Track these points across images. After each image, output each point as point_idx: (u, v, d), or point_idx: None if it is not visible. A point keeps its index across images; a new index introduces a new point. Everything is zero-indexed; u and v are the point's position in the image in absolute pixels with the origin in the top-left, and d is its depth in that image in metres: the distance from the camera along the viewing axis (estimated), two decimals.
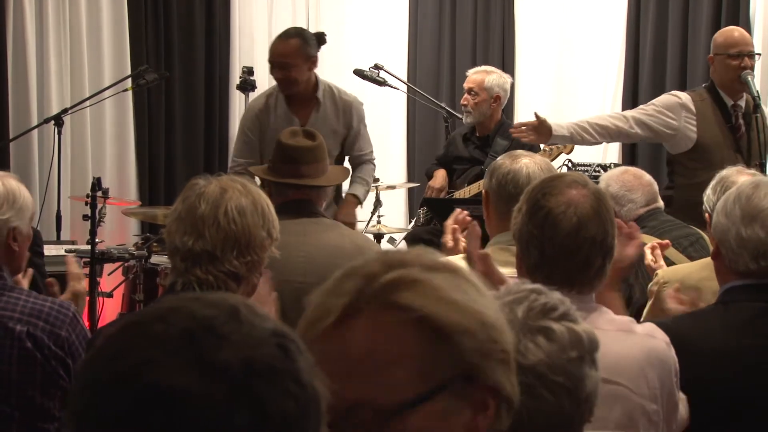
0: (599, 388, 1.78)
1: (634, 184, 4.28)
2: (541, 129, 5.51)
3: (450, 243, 3.52)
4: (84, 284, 3.30)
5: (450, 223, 3.56)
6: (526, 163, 3.24)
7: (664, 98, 5.59)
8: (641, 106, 5.71)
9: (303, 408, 1.08)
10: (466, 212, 3.59)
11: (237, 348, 1.05)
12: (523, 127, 5.62)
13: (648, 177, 4.36)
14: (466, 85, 6.57)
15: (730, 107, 5.45)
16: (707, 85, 5.53)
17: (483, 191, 3.34)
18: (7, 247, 2.97)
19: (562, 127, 5.55)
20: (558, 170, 5.98)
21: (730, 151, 5.40)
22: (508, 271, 3.03)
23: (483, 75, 6.56)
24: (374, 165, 5.89)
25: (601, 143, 6.24)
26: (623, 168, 4.53)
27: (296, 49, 5.53)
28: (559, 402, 1.73)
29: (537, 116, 5.54)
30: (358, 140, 5.74)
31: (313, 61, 5.62)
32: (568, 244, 2.42)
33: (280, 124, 5.49)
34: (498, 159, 3.38)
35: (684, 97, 5.51)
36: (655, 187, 4.33)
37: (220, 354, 1.04)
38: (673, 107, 5.46)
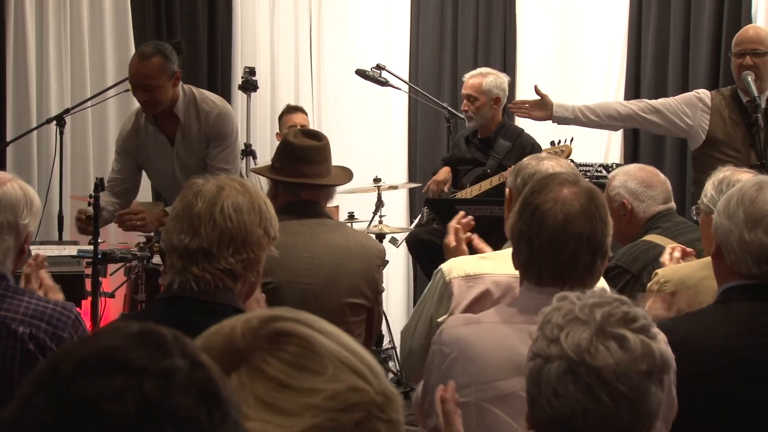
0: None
1: (653, 181, 4.28)
2: (542, 105, 5.68)
3: (453, 243, 3.52)
4: (59, 294, 3.28)
5: (453, 224, 3.57)
6: (551, 164, 3.28)
7: (686, 94, 5.79)
8: (665, 98, 5.87)
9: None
10: (470, 217, 3.60)
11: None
12: (526, 105, 5.70)
13: (663, 175, 4.38)
14: (464, 92, 6.58)
15: (746, 103, 5.50)
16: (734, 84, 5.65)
17: (507, 190, 3.36)
18: (21, 250, 2.98)
19: (566, 107, 5.67)
20: None
21: (746, 147, 5.46)
22: None
23: (480, 79, 6.57)
24: None
25: (609, 127, 6.24)
26: (638, 165, 4.53)
27: (158, 69, 5.25)
28: (618, 409, 1.75)
29: (538, 91, 5.72)
30: (217, 154, 5.42)
31: (177, 77, 5.34)
32: (555, 240, 2.45)
33: (151, 143, 5.49)
34: (524, 159, 3.41)
35: (703, 92, 5.67)
36: (669, 185, 4.34)
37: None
38: (691, 102, 5.58)
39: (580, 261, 2.46)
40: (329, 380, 1.17)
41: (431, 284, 3.26)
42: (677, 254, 3.61)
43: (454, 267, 3.21)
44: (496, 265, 3.13)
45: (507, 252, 3.06)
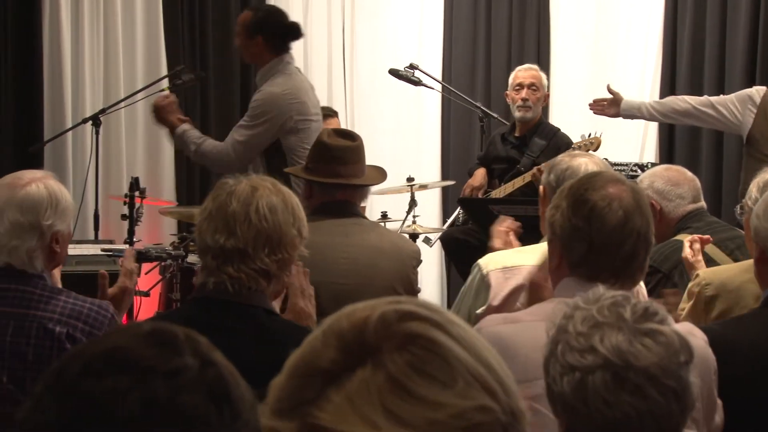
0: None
1: (680, 180, 4.23)
2: (614, 102, 6.05)
3: (500, 247, 3.51)
4: (134, 281, 3.30)
5: (499, 228, 3.55)
6: (585, 161, 3.29)
7: (744, 90, 5.86)
8: (725, 95, 5.97)
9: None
10: (518, 224, 3.58)
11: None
12: (604, 102, 6.08)
13: (691, 173, 4.32)
14: (524, 80, 6.52)
15: None
16: None
17: (541, 187, 3.35)
18: (50, 250, 2.98)
19: (633, 104, 6.08)
20: None
21: None
22: None
23: (537, 71, 6.59)
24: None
25: (672, 121, 6.45)
26: (665, 165, 4.50)
27: (241, 23, 5.48)
28: (668, 405, 1.74)
29: (610, 89, 6.06)
30: (238, 122, 5.46)
31: (257, 42, 5.35)
32: (616, 236, 2.45)
33: None
34: (557, 156, 3.43)
35: (757, 89, 5.67)
36: (698, 184, 4.29)
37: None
38: (742, 98, 5.62)
39: (637, 257, 2.47)
40: (458, 396, 1.07)
41: (469, 280, 3.27)
42: (697, 246, 3.58)
43: (491, 260, 3.23)
44: (533, 257, 3.14)
45: (541, 246, 3.07)
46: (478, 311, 3.14)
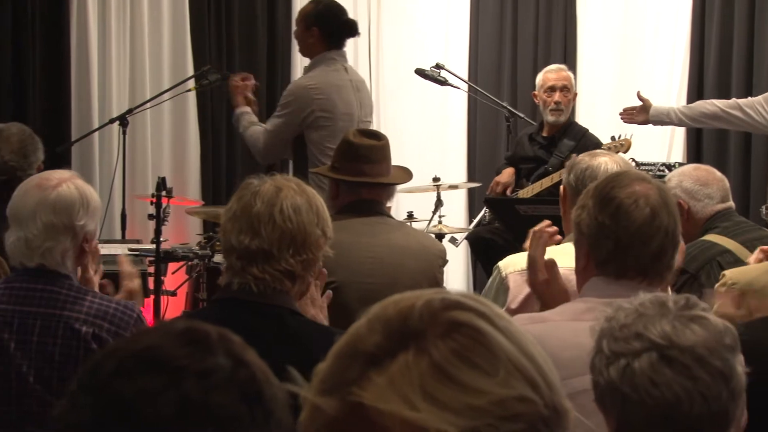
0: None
1: (708, 179, 4.19)
2: (643, 109, 5.98)
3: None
4: (137, 282, 3.31)
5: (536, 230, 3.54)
6: (605, 160, 3.28)
7: None
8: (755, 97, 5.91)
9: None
10: (548, 223, 3.56)
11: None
12: (634, 110, 6.01)
13: (719, 173, 4.29)
14: (557, 83, 6.46)
15: None
16: None
17: (561, 187, 3.35)
18: (81, 249, 2.99)
19: (662, 110, 5.99)
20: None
21: None
22: None
23: (567, 72, 6.54)
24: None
25: (701, 125, 6.36)
26: (693, 165, 4.47)
27: (300, 14, 5.60)
28: (717, 387, 1.74)
29: (640, 96, 5.98)
30: None
31: (312, 33, 5.40)
32: (643, 234, 2.44)
33: None
34: (578, 156, 3.41)
35: None
36: (727, 183, 4.25)
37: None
38: None
39: (664, 255, 2.46)
40: (499, 384, 1.07)
41: (489, 282, 3.27)
42: (761, 256, 3.53)
43: (510, 263, 3.23)
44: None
45: (562, 246, 3.05)
46: None
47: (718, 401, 1.74)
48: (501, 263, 3.26)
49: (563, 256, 2.79)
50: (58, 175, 3.04)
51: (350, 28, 5.50)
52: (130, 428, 1.03)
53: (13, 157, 4.16)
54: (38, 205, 2.92)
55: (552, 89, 6.44)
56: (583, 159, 3.31)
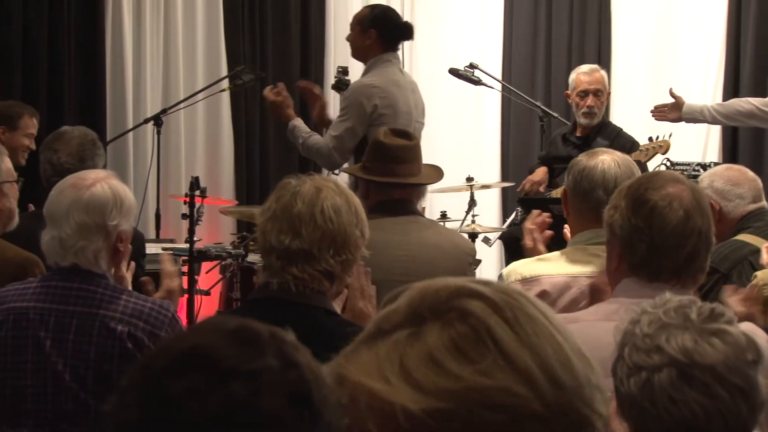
0: None
1: (740, 179, 4.17)
2: (675, 107, 6.02)
3: (530, 244, 3.50)
4: (177, 282, 3.33)
5: (528, 225, 3.54)
6: (603, 159, 3.20)
7: None
8: None
9: None
10: (546, 214, 3.56)
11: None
12: (665, 108, 6.03)
13: (752, 173, 4.27)
14: (590, 87, 6.37)
15: None
16: None
17: (562, 189, 3.32)
18: (115, 249, 3.01)
19: (695, 107, 6.02)
20: (656, 169, 5.93)
21: None
22: (586, 270, 3.01)
23: (600, 73, 6.47)
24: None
25: (735, 123, 6.40)
26: (725, 165, 4.45)
27: (354, 18, 5.71)
28: (736, 404, 1.74)
29: (672, 94, 6.03)
30: None
31: (369, 35, 5.53)
32: (677, 236, 2.42)
33: None
34: (578, 157, 3.34)
35: None
36: (760, 183, 4.23)
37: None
38: None
39: (698, 257, 2.45)
40: (479, 372, 1.06)
41: None
42: None
43: (511, 271, 3.22)
44: (552, 266, 3.13)
45: (563, 252, 3.05)
46: None
47: (737, 418, 1.74)
48: (504, 271, 3.27)
49: (562, 263, 2.77)
50: (93, 174, 3.06)
51: (407, 31, 5.64)
52: (177, 427, 1.04)
53: (70, 159, 4.16)
54: (72, 204, 2.94)
55: (585, 93, 6.38)
56: (581, 159, 3.25)
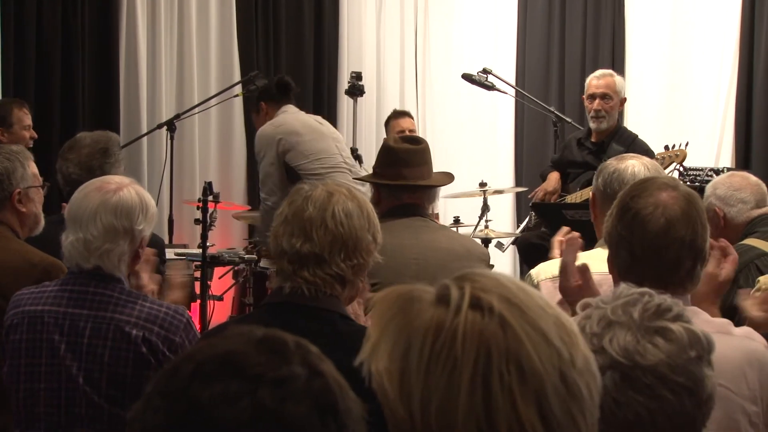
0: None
1: (742, 184, 4.20)
2: None
3: (558, 257, 3.50)
4: (183, 293, 3.34)
5: (558, 238, 3.55)
6: (633, 163, 3.25)
7: None
8: None
9: None
10: (576, 234, 3.56)
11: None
12: None
13: (755, 178, 4.29)
14: (597, 90, 6.40)
15: None
16: None
17: (590, 192, 3.35)
18: (136, 254, 3.03)
19: None
20: (669, 174, 5.92)
21: None
22: None
23: (611, 78, 6.46)
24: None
25: None
26: (730, 172, 4.47)
27: None
28: (681, 402, 1.73)
29: None
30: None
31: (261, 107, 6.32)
32: (657, 245, 2.41)
33: None
34: (607, 161, 3.38)
35: None
36: (764, 188, 4.24)
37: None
38: None
39: (682, 266, 2.43)
40: None
41: None
42: None
43: (542, 270, 3.24)
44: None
45: (594, 252, 3.05)
46: None
47: (683, 416, 1.73)
48: (533, 271, 3.27)
49: (595, 260, 2.79)
50: (117, 179, 3.07)
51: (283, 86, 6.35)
52: None
53: (77, 170, 4.11)
54: (100, 207, 2.95)
55: (592, 97, 6.40)
56: (611, 163, 3.30)
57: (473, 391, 1.14)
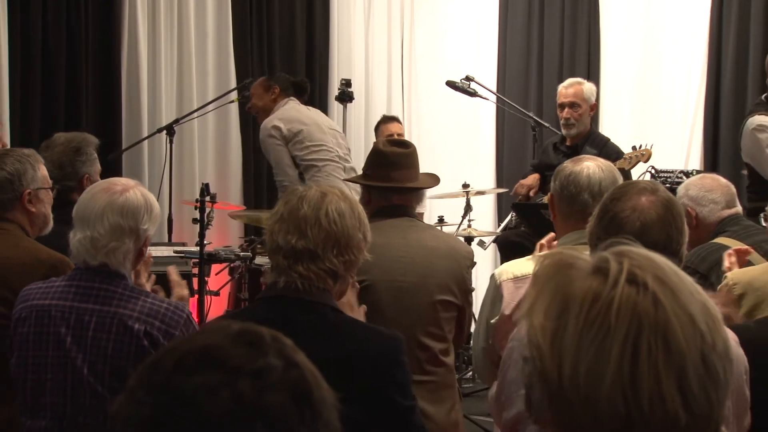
0: None
1: (713, 186, 4.23)
2: None
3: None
4: (187, 291, 3.37)
5: (543, 242, 3.56)
6: (588, 165, 3.19)
7: None
8: None
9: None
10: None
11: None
12: None
13: (725, 180, 4.32)
14: (565, 100, 6.44)
15: None
16: None
17: (549, 194, 3.32)
18: (139, 252, 3.06)
19: None
20: (640, 177, 5.96)
21: None
22: None
23: (579, 86, 6.49)
24: None
25: None
26: (702, 174, 4.51)
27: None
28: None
29: None
30: None
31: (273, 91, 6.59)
32: None
33: None
34: (563, 163, 3.33)
35: None
36: (733, 189, 4.28)
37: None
38: None
39: None
40: None
41: (486, 291, 3.25)
42: (733, 259, 3.53)
43: (503, 271, 3.21)
44: None
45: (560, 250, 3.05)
46: (492, 321, 3.14)
47: None
48: (496, 271, 3.25)
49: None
50: (123, 181, 3.11)
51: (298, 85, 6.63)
52: (187, 423, 1.05)
53: (50, 167, 4.11)
54: (107, 206, 2.98)
55: (561, 106, 6.47)
56: (567, 165, 3.24)
57: (622, 359, 1.18)
